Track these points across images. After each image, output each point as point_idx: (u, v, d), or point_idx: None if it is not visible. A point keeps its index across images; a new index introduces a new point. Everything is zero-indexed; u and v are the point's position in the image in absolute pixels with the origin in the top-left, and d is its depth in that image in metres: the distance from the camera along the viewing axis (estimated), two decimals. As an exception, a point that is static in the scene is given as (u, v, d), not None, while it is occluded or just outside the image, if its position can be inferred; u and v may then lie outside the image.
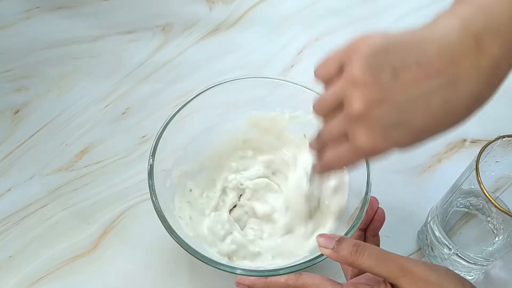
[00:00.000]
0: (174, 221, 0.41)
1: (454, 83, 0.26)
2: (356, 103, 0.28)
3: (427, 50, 0.26)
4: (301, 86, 0.47)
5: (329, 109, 0.31)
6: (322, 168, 0.35)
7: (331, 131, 0.32)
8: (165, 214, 0.40)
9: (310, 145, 0.35)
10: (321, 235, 0.36)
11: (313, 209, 0.45)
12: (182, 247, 0.39)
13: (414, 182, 0.54)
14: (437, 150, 0.56)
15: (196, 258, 0.39)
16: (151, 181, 0.42)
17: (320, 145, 0.34)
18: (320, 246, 0.36)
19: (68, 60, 0.64)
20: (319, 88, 0.48)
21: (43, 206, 0.52)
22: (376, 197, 0.43)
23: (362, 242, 0.35)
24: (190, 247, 0.39)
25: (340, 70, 0.30)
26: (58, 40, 0.66)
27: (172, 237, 0.39)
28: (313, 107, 0.33)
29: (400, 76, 0.26)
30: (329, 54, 0.31)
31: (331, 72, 0.30)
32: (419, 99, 0.26)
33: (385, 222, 0.43)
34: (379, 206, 0.43)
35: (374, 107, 0.27)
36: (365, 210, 0.40)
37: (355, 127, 0.28)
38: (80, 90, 0.61)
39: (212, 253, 0.43)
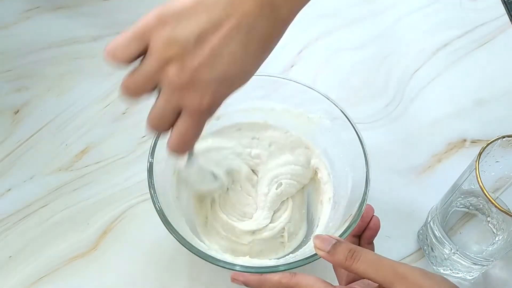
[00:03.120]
0: (173, 218, 0.41)
1: (248, 30, 0.31)
2: (177, 75, 0.31)
3: (215, 12, 0.31)
4: (303, 84, 0.47)
5: (144, 90, 0.33)
6: (172, 150, 0.35)
7: (161, 113, 0.34)
8: (164, 211, 0.40)
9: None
10: (317, 237, 0.36)
11: None
12: (181, 243, 0.39)
13: (414, 182, 0.54)
14: (437, 150, 0.56)
15: (195, 254, 0.39)
16: (151, 179, 0.42)
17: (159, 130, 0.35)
18: (315, 247, 0.36)
19: (68, 60, 0.64)
20: (321, 87, 0.48)
21: (43, 206, 0.52)
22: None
23: (358, 247, 0.35)
24: (189, 243, 0.39)
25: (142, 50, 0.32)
26: (58, 40, 0.65)
27: (171, 233, 0.39)
28: (122, 86, 0.34)
29: (203, 41, 0.31)
30: (121, 36, 0.33)
31: (133, 53, 0.33)
32: (223, 52, 0.31)
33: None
34: (374, 214, 0.42)
35: (193, 72, 0.31)
36: (362, 209, 0.40)
37: (186, 95, 0.32)
38: (80, 90, 0.61)
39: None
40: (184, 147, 0.36)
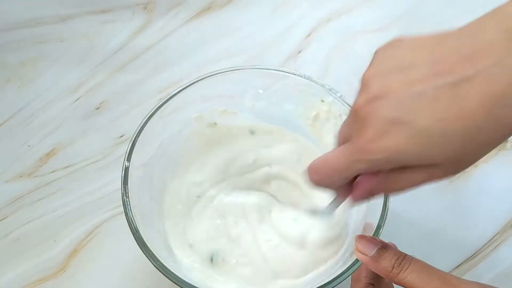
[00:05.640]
0: (149, 235, 0.41)
1: (467, 81, 0.27)
2: (358, 99, 0.30)
3: (442, 49, 0.28)
4: (307, 79, 0.47)
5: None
6: (310, 178, 0.34)
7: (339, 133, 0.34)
8: (141, 231, 0.40)
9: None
10: (360, 236, 0.37)
11: None
12: (154, 265, 0.39)
13: (445, 190, 0.54)
14: (473, 152, 0.56)
15: (170, 279, 0.38)
16: (126, 187, 0.42)
17: None
18: (356, 250, 0.36)
19: (31, 44, 0.64)
20: (332, 77, 0.48)
21: (1, 220, 0.52)
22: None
23: (405, 254, 0.35)
24: (163, 265, 0.39)
25: None
26: (19, 21, 0.66)
27: (145, 254, 0.39)
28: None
29: (406, 73, 0.28)
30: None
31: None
32: (423, 96, 0.27)
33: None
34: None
35: (375, 101, 0.29)
36: (384, 219, 0.40)
37: (354, 125, 0.30)
38: (45, 81, 0.61)
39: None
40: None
